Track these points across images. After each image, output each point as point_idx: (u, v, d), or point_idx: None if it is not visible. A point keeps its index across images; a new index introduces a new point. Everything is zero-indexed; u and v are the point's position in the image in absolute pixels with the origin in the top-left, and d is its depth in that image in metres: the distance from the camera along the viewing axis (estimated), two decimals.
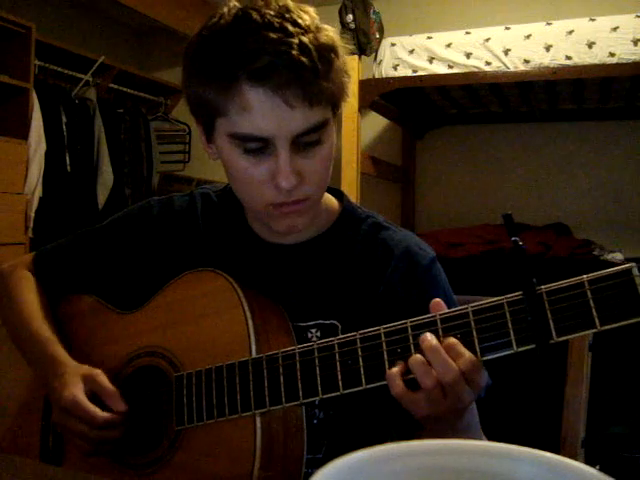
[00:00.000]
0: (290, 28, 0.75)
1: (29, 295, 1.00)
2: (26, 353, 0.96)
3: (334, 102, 0.82)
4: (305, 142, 0.79)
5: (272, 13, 0.77)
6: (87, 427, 0.82)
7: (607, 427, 2.31)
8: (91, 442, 0.83)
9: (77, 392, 0.83)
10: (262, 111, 0.76)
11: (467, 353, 0.67)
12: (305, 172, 0.80)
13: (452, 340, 0.68)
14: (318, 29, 0.79)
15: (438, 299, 0.72)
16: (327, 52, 0.78)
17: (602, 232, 3.28)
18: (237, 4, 0.81)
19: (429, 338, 0.68)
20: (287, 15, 0.77)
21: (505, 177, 3.73)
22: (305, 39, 0.75)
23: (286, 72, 0.74)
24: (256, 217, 0.92)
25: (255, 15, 0.77)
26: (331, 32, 0.81)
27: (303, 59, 0.74)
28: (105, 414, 0.82)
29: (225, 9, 0.81)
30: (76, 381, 0.84)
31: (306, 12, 0.80)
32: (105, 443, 0.84)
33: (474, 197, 3.77)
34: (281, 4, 0.79)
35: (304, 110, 0.76)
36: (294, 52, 0.74)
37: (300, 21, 0.77)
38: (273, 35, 0.74)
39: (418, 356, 0.68)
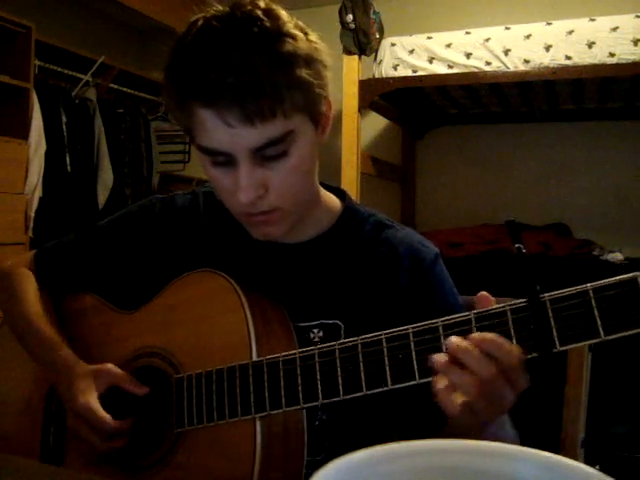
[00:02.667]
0: (244, 43, 0.74)
1: (32, 294, 1.00)
2: (34, 353, 0.96)
3: (305, 110, 0.79)
4: (267, 155, 0.78)
5: (231, 26, 0.76)
6: (97, 437, 0.83)
7: (607, 427, 2.31)
8: (98, 451, 0.84)
9: (91, 399, 0.84)
10: (213, 129, 0.76)
11: (507, 345, 0.63)
12: (270, 184, 0.80)
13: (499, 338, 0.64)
14: (280, 39, 0.75)
15: (485, 292, 0.68)
16: (283, 65, 0.75)
17: (602, 232, 3.28)
18: (217, 7, 0.80)
19: (455, 339, 0.64)
20: (246, 27, 0.75)
21: (505, 177, 3.73)
22: (256, 56, 0.73)
23: (229, 93, 0.73)
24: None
25: (212, 30, 0.76)
26: (299, 39, 0.77)
27: (245, 79, 0.73)
28: (115, 422, 0.83)
29: (196, 18, 0.80)
30: (89, 386, 0.85)
31: (273, 18, 0.77)
32: (111, 452, 0.85)
33: (474, 197, 3.77)
34: (247, 10, 0.77)
35: (248, 129, 0.75)
36: (239, 71, 0.73)
37: (259, 33, 0.75)
38: (224, 53, 0.74)
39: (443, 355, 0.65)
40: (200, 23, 0.79)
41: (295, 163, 0.80)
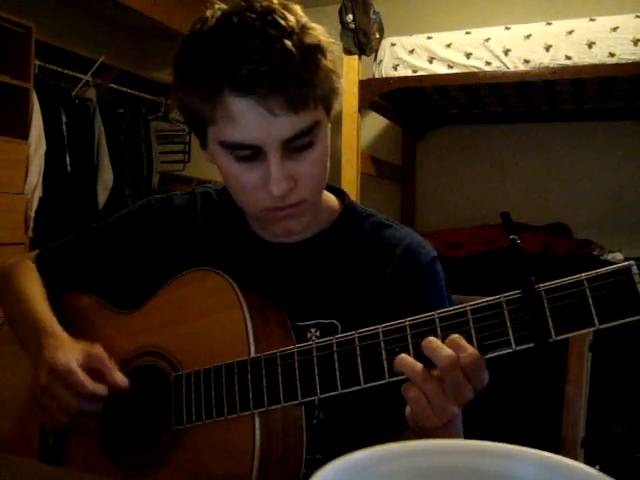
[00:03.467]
0: (272, 32, 0.74)
1: (32, 282, 1.00)
2: (23, 332, 0.94)
3: (325, 102, 0.81)
4: (296, 146, 0.79)
5: (254, 17, 0.76)
6: (73, 396, 0.80)
7: (607, 427, 2.31)
8: (71, 414, 0.81)
9: (72, 360, 0.81)
10: (247, 120, 0.75)
11: (470, 347, 0.66)
12: (298, 175, 0.80)
13: (455, 336, 0.67)
14: (303, 29, 0.77)
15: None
16: (312, 54, 0.77)
17: (602, 232, 3.28)
18: (222, 6, 0.80)
19: (430, 339, 0.68)
20: (269, 17, 0.76)
21: (505, 177, 3.73)
22: (288, 43, 0.74)
23: (268, 81, 0.73)
24: (255, 219, 0.92)
25: (236, 20, 0.76)
26: (318, 31, 0.79)
27: (285, 66, 0.73)
28: (97, 385, 0.80)
29: (208, 13, 0.80)
30: (74, 349, 0.83)
31: (291, 11, 0.78)
32: (84, 416, 0.82)
33: (474, 197, 3.77)
34: (264, 4, 0.77)
35: (290, 117, 0.75)
36: (276, 59, 0.73)
37: (283, 23, 0.76)
38: (254, 42, 0.74)
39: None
40: (217, 16, 0.78)
41: (319, 154, 0.81)
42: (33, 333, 0.90)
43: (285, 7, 0.78)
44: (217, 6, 0.80)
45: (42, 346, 0.86)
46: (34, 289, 0.98)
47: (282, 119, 0.75)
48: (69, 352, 0.83)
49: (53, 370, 0.81)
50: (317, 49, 0.78)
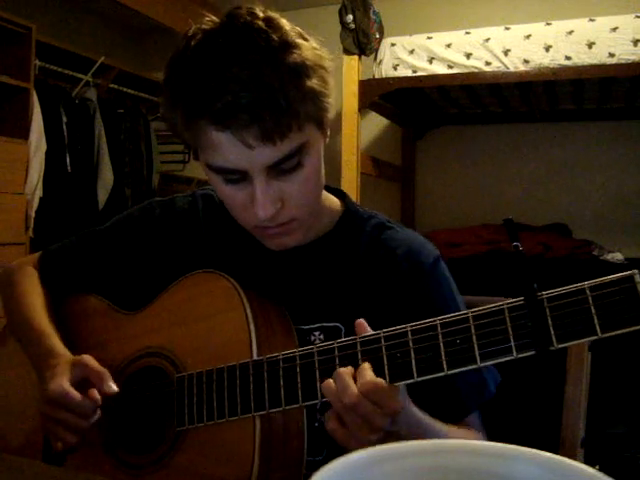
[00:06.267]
0: (250, 57, 0.72)
1: (33, 290, 1.00)
2: (24, 344, 0.95)
3: (314, 121, 0.79)
4: (283, 169, 0.78)
5: (234, 38, 0.74)
6: (76, 417, 0.81)
7: (607, 427, 2.31)
8: (79, 432, 0.82)
9: (63, 381, 0.81)
10: (228, 149, 0.75)
11: (369, 376, 0.67)
12: (287, 196, 0.79)
13: (362, 365, 0.69)
14: (286, 49, 0.74)
15: (361, 320, 0.72)
16: (294, 77, 0.73)
17: (602, 232, 3.28)
18: (212, 18, 0.78)
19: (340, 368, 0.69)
20: (250, 38, 0.73)
21: (505, 177, 3.73)
22: (266, 70, 0.72)
23: (245, 113, 0.71)
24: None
25: (216, 43, 0.74)
26: (304, 48, 0.75)
27: (262, 96, 0.71)
28: (90, 400, 0.80)
29: (192, 31, 0.78)
30: (64, 370, 0.83)
31: (275, 28, 0.74)
32: (88, 431, 0.83)
33: (474, 197, 3.77)
34: (247, 20, 0.75)
35: (268, 147, 0.74)
36: (253, 89, 0.71)
37: (264, 44, 0.73)
38: (232, 70, 0.72)
39: (330, 381, 0.69)
40: (199, 37, 0.76)
41: (309, 173, 0.80)
42: (35, 348, 0.91)
43: (269, 23, 0.75)
44: (207, 18, 0.78)
45: (41, 367, 0.87)
46: (35, 299, 0.98)
47: (260, 149, 0.74)
48: (60, 374, 0.82)
49: (50, 400, 0.82)
50: (301, 70, 0.74)
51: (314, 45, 0.79)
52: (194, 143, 0.79)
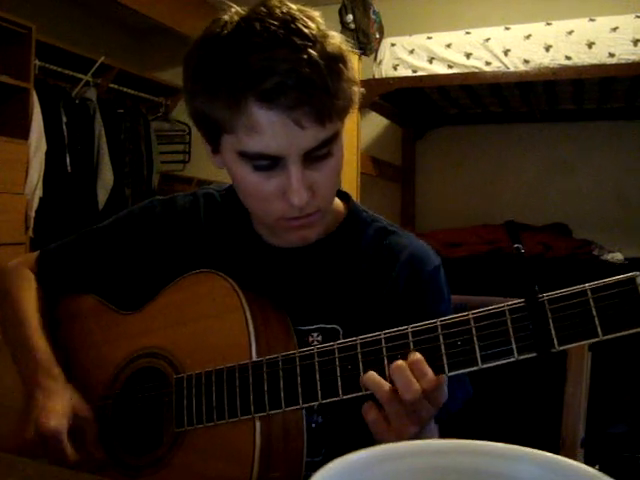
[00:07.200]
0: (297, 41, 0.72)
1: (28, 295, 0.99)
2: (16, 355, 0.95)
3: (345, 110, 0.80)
4: (316, 156, 0.77)
5: (276, 24, 0.73)
6: (57, 453, 0.83)
7: (607, 427, 2.31)
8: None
9: (62, 428, 0.82)
10: (272, 132, 0.74)
11: (430, 372, 0.67)
12: (316, 185, 0.79)
13: (417, 356, 0.68)
14: (324, 37, 0.75)
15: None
16: (336, 64, 0.75)
17: (602, 232, 3.28)
18: (239, 10, 0.78)
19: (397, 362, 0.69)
20: (292, 25, 0.73)
21: (505, 177, 3.73)
22: (313, 53, 0.72)
23: (296, 92, 0.71)
24: (266, 226, 0.91)
25: (259, 27, 0.73)
26: (337, 38, 0.77)
27: (313, 76, 0.72)
28: (77, 456, 0.83)
29: (226, 17, 0.77)
30: (65, 410, 0.84)
31: (311, 19, 0.76)
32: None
33: (474, 197, 3.77)
34: (285, 11, 0.75)
35: (316, 129, 0.74)
36: (303, 70, 0.71)
37: (306, 31, 0.73)
38: (280, 51, 0.71)
39: (373, 373, 0.69)
40: (237, 21, 0.75)
41: (336, 163, 0.81)
42: (30, 364, 0.91)
43: (306, 14, 0.76)
44: (234, 9, 0.78)
45: (31, 382, 0.88)
46: (32, 308, 0.97)
47: (308, 131, 0.74)
48: (61, 415, 0.83)
49: (41, 435, 0.82)
50: (340, 58, 0.76)
51: (343, 39, 0.80)
52: (230, 127, 0.76)
